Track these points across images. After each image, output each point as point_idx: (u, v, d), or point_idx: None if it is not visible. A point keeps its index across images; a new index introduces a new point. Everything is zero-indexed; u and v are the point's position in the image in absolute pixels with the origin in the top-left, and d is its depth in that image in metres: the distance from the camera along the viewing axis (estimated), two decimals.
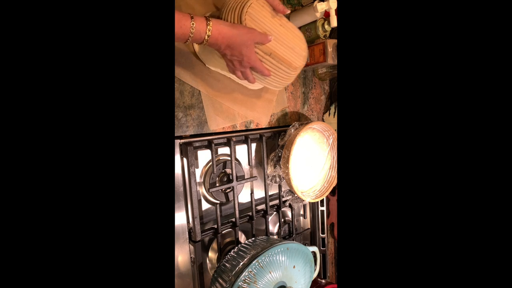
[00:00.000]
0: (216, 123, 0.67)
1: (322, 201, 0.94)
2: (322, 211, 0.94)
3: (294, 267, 0.62)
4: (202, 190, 0.69)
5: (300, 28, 0.81)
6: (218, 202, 0.69)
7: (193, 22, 0.48)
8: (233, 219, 0.71)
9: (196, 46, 0.62)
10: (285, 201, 0.84)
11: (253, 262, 0.57)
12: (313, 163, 0.82)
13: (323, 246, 0.96)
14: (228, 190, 0.71)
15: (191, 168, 0.61)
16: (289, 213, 0.88)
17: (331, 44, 0.75)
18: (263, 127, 0.77)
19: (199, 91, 0.64)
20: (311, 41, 0.80)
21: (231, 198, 0.71)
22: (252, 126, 0.75)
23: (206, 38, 0.49)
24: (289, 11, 0.59)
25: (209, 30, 0.49)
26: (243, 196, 0.77)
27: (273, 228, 0.86)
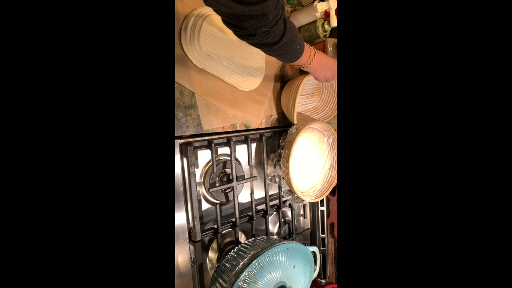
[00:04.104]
0: (210, 123, 0.67)
1: (322, 201, 0.94)
2: (322, 211, 0.94)
3: (294, 267, 0.62)
4: (202, 190, 0.69)
5: (300, 28, 0.82)
6: (218, 202, 0.69)
7: (315, 53, 0.62)
8: (233, 219, 0.71)
9: (184, 42, 0.61)
10: (285, 201, 0.84)
11: (253, 262, 0.57)
12: (313, 163, 0.82)
13: (323, 246, 0.96)
14: (228, 190, 0.71)
15: (191, 168, 0.61)
16: (289, 213, 0.88)
17: (331, 43, 0.75)
18: (263, 127, 0.77)
19: None
20: (311, 41, 0.80)
21: (231, 198, 0.71)
22: (252, 126, 0.75)
23: (309, 63, 0.62)
24: None
25: (314, 57, 0.62)
26: (243, 196, 0.77)
27: (273, 228, 0.86)
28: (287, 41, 0.48)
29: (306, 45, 0.59)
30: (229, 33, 0.65)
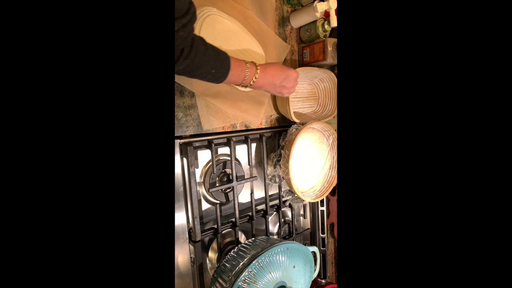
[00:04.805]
0: (210, 123, 0.67)
1: (322, 201, 0.94)
2: (322, 211, 0.94)
3: (294, 267, 0.62)
4: (202, 190, 0.69)
5: (300, 28, 0.82)
6: (218, 202, 0.69)
7: (247, 67, 0.56)
8: (233, 219, 0.71)
9: None
10: (285, 201, 0.84)
11: (253, 262, 0.57)
12: (313, 163, 0.82)
13: (323, 246, 0.96)
14: (228, 190, 0.71)
15: (191, 168, 0.61)
16: (289, 213, 0.88)
17: (331, 43, 0.75)
18: (263, 127, 0.77)
19: None
20: (311, 41, 0.80)
21: (231, 198, 0.71)
22: (252, 126, 0.75)
23: (252, 82, 0.58)
24: None
25: (256, 76, 0.58)
26: (243, 196, 0.77)
27: (273, 228, 0.86)
28: (184, 67, 0.47)
29: (241, 65, 0.55)
30: (229, 33, 0.65)
